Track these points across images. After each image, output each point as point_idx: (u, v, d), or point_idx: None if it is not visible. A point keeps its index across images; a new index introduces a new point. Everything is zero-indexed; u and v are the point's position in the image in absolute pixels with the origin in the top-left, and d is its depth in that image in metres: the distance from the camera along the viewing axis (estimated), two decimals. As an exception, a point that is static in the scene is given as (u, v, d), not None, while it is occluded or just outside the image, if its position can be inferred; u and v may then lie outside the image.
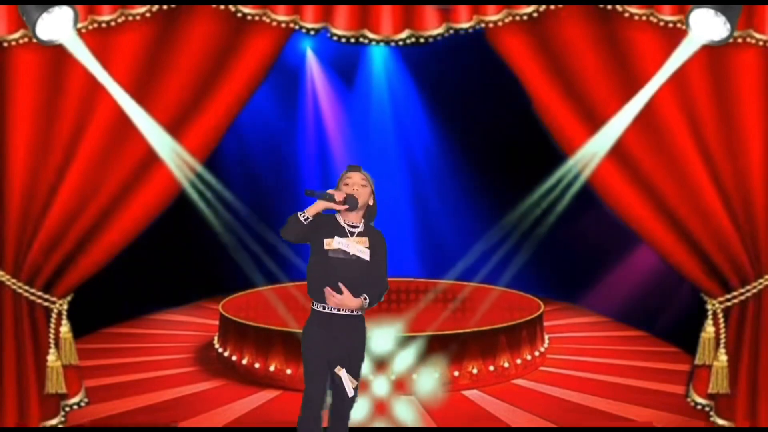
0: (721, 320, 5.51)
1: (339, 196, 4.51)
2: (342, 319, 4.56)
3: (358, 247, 4.55)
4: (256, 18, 5.21)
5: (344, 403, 4.66)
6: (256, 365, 7.41)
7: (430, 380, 7.10)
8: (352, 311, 4.56)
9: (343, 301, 4.49)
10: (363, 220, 4.67)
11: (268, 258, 9.83)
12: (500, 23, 5.23)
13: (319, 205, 4.48)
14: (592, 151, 5.42)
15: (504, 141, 10.68)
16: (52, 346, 5.42)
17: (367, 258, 4.56)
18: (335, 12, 5.19)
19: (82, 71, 5.18)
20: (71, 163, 5.26)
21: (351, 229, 4.60)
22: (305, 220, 4.44)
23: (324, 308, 4.57)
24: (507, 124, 10.12)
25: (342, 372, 4.56)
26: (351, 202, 4.55)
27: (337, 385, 4.59)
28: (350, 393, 4.58)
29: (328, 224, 4.58)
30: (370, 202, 4.69)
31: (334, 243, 4.52)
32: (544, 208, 8.73)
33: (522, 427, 6.33)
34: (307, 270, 4.65)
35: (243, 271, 9.62)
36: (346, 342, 4.59)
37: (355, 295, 4.53)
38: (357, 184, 4.62)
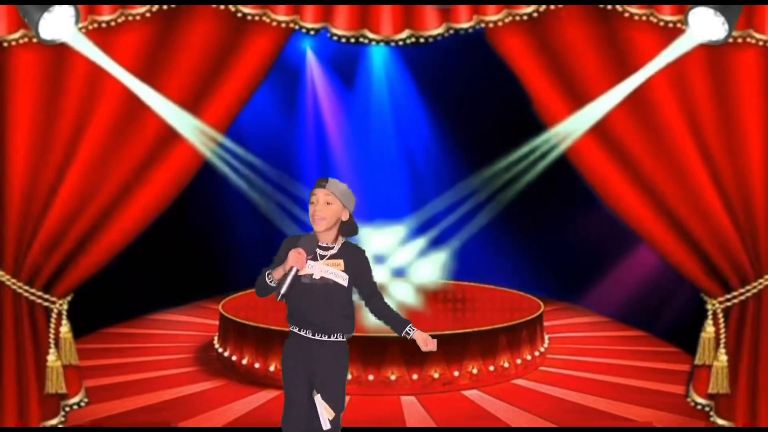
0: (721, 320, 5.50)
1: (296, 263, 4.14)
2: (320, 345, 4.26)
3: (328, 270, 4.22)
4: (256, 18, 5.20)
5: None
6: (256, 365, 7.41)
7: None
8: (329, 336, 4.25)
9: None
10: (339, 239, 4.30)
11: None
12: (500, 23, 5.22)
13: (283, 270, 4.18)
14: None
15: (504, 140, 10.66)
16: (52, 346, 5.41)
17: (343, 282, 4.22)
18: (335, 12, 5.18)
19: (82, 71, 5.17)
20: (71, 163, 5.25)
21: (322, 252, 4.26)
22: (272, 282, 4.20)
23: (299, 330, 4.30)
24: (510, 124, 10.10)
25: (317, 398, 4.19)
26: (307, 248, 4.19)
27: (316, 412, 4.22)
28: (325, 426, 4.17)
29: (301, 245, 4.20)
30: (344, 218, 4.27)
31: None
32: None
33: (522, 427, 6.34)
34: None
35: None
36: (324, 368, 4.25)
37: (331, 322, 4.24)
38: (321, 202, 4.21)
